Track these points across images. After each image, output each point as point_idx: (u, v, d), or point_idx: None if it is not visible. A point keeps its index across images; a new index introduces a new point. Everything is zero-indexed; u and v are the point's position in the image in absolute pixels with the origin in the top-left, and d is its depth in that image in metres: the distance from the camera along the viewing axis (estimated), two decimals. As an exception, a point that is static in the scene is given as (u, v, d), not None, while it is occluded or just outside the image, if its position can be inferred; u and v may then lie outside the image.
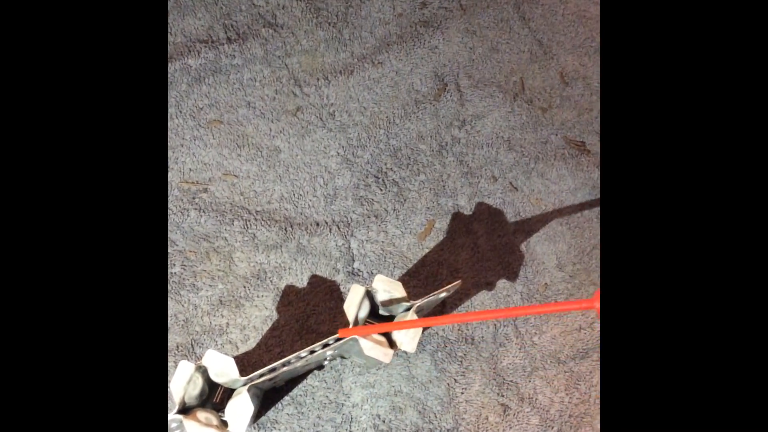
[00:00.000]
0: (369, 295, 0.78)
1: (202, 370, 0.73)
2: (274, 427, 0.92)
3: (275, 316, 0.98)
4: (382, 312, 0.83)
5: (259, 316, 0.98)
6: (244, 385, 0.73)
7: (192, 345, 0.96)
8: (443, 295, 0.79)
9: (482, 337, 1.00)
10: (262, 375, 0.73)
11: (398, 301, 0.78)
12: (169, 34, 1.06)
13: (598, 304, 0.51)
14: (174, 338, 0.96)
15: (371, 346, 0.74)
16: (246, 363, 0.96)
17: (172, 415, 0.70)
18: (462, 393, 0.97)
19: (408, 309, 0.77)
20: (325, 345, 0.76)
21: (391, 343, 0.78)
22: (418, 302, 0.77)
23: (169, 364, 0.94)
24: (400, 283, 0.77)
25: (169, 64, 1.05)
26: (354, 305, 0.75)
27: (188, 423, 0.70)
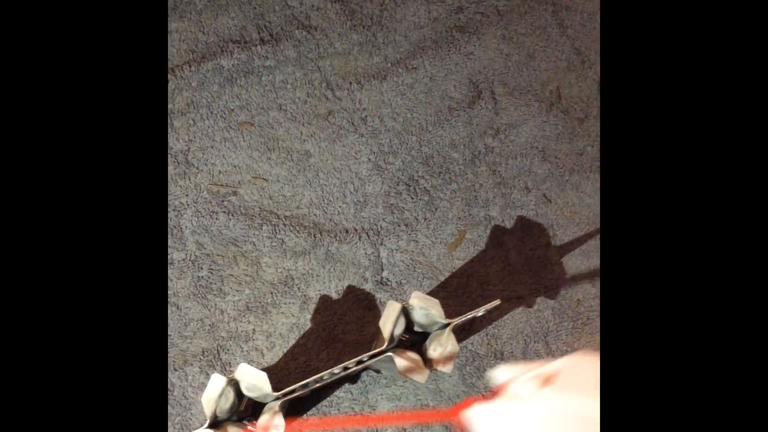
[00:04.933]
0: (405, 311, 0.76)
1: (234, 383, 0.72)
2: (300, 438, 0.91)
3: (302, 323, 0.97)
4: (417, 329, 0.81)
5: (285, 324, 0.97)
6: (276, 400, 0.72)
7: (218, 350, 0.95)
8: (481, 313, 0.77)
9: (512, 352, 0.98)
10: (294, 391, 0.72)
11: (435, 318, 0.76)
12: (201, 34, 1.04)
13: (458, 419, 0.47)
14: (200, 343, 0.94)
15: (406, 366, 0.73)
16: (271, 371, 0.94)
17: (203, 429, 0.69)
18: (490, 409, 0.95)
19: (444, 327, 0.76)
20: (360, 362, 0.74)
21: (425, 361, 0.76)
22: (456, 321, 0.75)
23: (195, 369, 0.93)
24: (437, 301, 0.75)
25: (202, 64, 1.03)
26: (390, 322, 0.74)
27: (219, 437, 0.69)
